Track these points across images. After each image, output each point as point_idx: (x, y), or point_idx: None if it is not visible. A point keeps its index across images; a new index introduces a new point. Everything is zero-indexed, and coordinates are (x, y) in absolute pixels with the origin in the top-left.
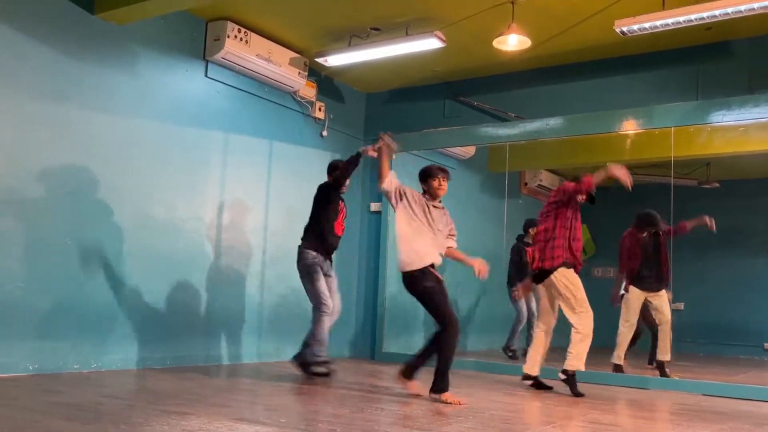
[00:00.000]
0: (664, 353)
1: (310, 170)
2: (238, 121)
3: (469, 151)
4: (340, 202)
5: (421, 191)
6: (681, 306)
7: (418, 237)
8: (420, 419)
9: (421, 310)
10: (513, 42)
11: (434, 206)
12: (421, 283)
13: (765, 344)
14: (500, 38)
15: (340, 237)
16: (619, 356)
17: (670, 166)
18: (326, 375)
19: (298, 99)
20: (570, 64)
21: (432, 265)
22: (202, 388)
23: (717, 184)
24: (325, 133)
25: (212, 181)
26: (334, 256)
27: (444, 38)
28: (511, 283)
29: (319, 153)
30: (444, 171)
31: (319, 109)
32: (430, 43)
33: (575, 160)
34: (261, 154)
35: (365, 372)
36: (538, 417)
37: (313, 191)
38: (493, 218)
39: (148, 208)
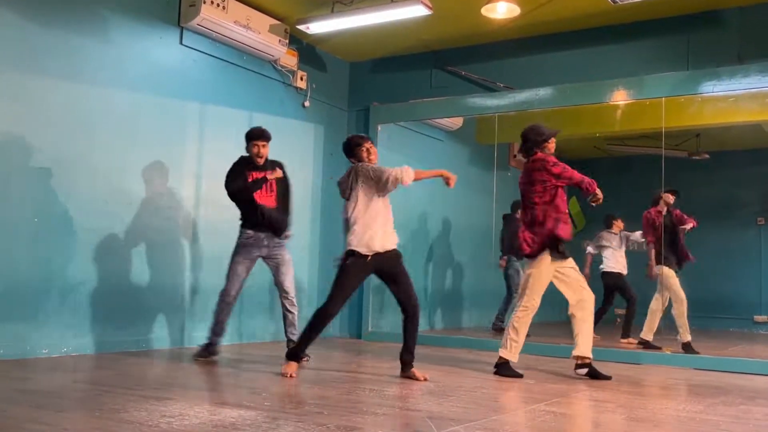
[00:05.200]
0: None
1: (292, 142)
2: (215, 91)
3: (457, 122)
4: (255, 172)
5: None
6: None
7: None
8: (410, 399)
9: None
10: (502, 10)
11: None
12: None
13: (755, 317)
14: (489, 5)
15: (270, 206)
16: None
17: (660, 137)
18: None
19: (279, 68)
20: (560, 32)
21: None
22: (180, 371)
23: (707, 156)
24: (307, 103)
25: (189, 154)
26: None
27: (430, 5)
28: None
29: (301, 124)
30: (364, 136)
31: (301, 79)
32: (416, 10)
33: (565, 131)
34: (240, 126)
35: (352, 352)
36: (530, 395)
37: (295, 164)
38: (482, 191)
39: (120, 183)
